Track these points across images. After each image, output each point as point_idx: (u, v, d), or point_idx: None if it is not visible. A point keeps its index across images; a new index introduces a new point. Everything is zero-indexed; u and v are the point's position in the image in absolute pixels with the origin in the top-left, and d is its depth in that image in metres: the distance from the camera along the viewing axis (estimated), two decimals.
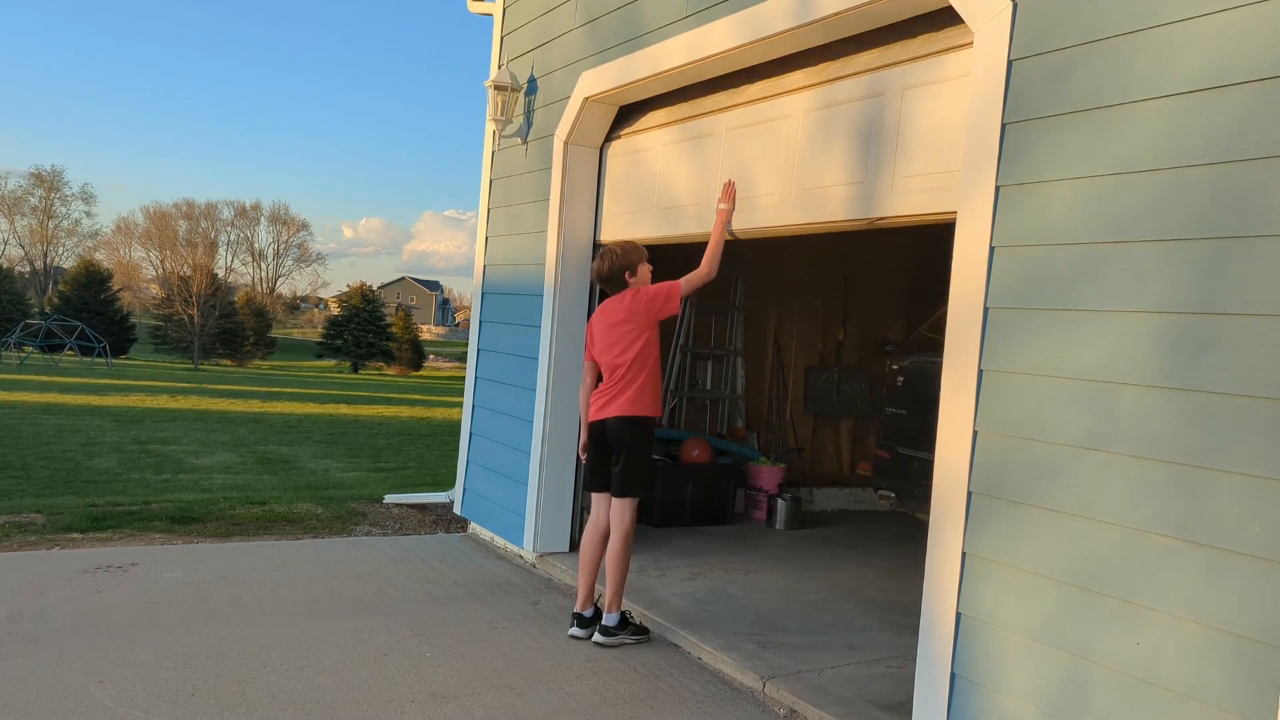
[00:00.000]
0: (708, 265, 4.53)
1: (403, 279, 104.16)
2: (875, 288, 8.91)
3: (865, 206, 3.88)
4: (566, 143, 5.76)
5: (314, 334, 67.75)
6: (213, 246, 67.82)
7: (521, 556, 6.09)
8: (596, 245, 5.86)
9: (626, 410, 4.45)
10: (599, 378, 4.63)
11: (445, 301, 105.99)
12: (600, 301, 4.76)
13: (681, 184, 5.09)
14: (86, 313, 42.88)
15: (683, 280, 4.52)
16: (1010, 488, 3.02)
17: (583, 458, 4.73)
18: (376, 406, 21.46)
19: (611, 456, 4.52)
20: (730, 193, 4.62)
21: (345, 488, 9.30)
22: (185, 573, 5.27)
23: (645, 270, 4.66)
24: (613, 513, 4.52)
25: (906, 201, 3.66)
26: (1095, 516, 2.78)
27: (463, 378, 10.84)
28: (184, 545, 5.99)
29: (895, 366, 6.82)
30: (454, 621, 4.72)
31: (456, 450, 7.28)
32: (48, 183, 66.79)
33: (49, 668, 3.81)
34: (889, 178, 3.75)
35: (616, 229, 5.66)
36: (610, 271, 4.64)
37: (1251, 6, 2.50)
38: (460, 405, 9.39)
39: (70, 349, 34.97)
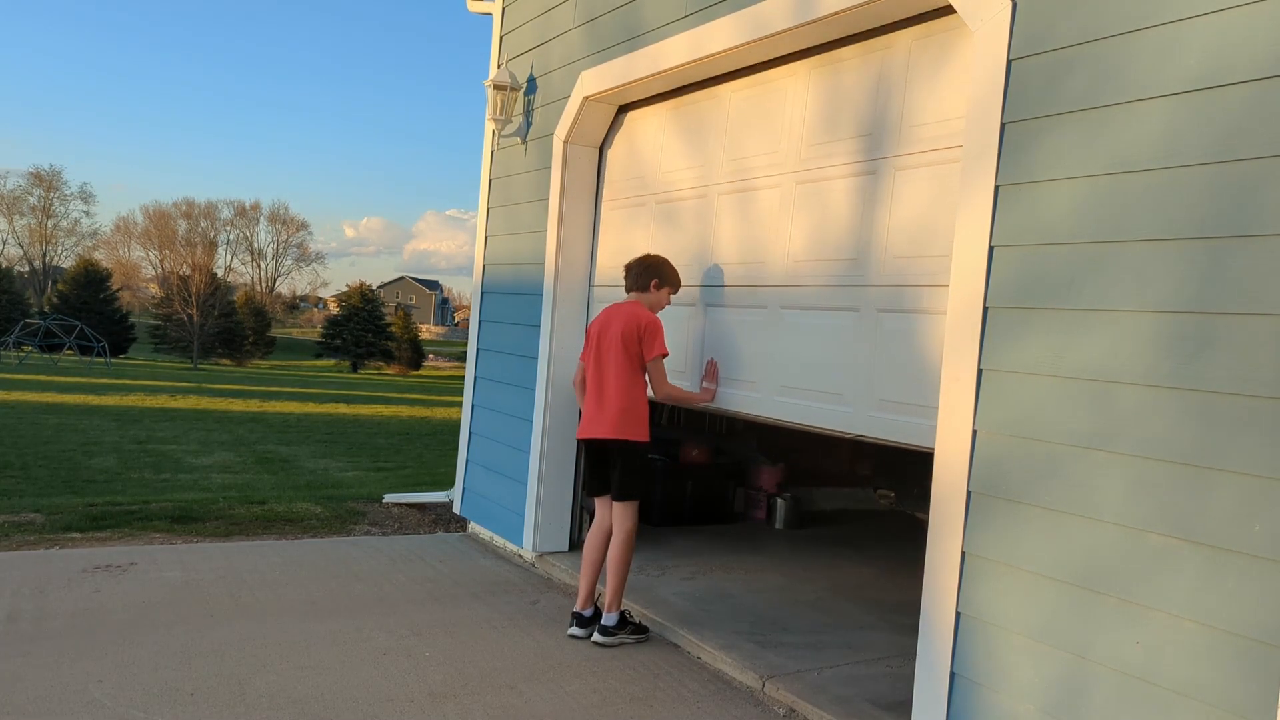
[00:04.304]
0: (668, 396, 4.54)
1: (402, 278, 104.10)
2: None
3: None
4: (566, 142, 5.76)
5: (313, 333, 67.77)
6: (212, 246, 67.82)
7: (521, 556, 6.09)
8: (595, 245, 5.86)
9: (614, 434, 4.48)
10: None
11: (444, 301, 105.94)
12: (607, 306, 4.76)
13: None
14: (85, 312, 42.92)
15: (661, 367, 4.49)
16: (1010, 487, 3.02)
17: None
18: (376, 406, 21.46)
19: (609, 461, 4.55)
20: (714, 373, 4.64)
21: (344, 487, 9.29)
22: (184, 572, 5.27)
23: (664, 295, 4.67)
24: (614, 515, 4.53)
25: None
26: (1095, 516, 2.78)
27: (462, 377, 10.83)
28: (183, 545, 5.99)
29: None
30: (453, 621, 4.72)
31: (456, 450, 7.28)
32: (46, 182, 66.79)
33: (49, 668, 3.80)
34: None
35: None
36: (639, 268, 4.64)
37: (1249, 6, 2.50)
38: (459, 405, 9.39)
39: (69, 348, 34.98)
